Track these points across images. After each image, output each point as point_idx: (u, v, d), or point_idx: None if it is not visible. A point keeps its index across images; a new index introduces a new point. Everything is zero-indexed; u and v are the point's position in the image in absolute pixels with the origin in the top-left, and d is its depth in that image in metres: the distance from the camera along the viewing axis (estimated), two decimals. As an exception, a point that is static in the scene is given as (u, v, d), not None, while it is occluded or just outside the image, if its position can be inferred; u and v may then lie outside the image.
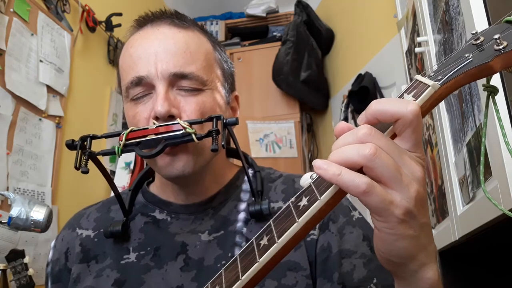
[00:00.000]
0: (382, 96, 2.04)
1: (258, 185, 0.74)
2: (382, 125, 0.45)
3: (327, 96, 2.93)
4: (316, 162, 0.42)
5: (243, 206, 0.74)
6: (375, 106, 0.43)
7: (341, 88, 2.66)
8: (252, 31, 3.37)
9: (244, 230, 0.70)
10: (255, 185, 0.74)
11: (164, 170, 0.68)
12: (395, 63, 1.85)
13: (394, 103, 0.42)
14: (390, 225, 0.42)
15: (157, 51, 0.68)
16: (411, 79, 1.58)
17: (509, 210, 0.64)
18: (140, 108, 0.68)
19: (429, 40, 1.19)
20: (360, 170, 0.42)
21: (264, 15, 3.34)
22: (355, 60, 2.46)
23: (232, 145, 0.75)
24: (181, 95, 0.68)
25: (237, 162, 0.83)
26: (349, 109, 2.32)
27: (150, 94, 0.68)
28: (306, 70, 2.76)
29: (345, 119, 2.36)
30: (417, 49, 1.28)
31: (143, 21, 0.74)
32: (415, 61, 1.45)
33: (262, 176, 0.77)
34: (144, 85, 0.68)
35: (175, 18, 0.73)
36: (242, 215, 0.72)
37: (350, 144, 0.42)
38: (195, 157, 0.67)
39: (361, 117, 0.44)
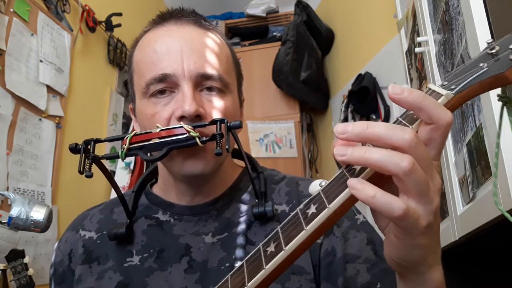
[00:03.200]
0: (382, 96, 2.03)
1: (262, 187, 0.73)
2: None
3: (327, 96, 2.93)
4: (351, 182, 0.40)
5: (246, 208, 0.73)
6: (423, 101, 0.41)
7: (341, 88, 2.67)
8: (252, 31, 3.37)
9: (248, 232, 0.70)
10: (258, 187, 0.73)
11: (184, 168, 0.67)
12: (395, 63, 1.85)
13: (437, 107, 0.41)
14: (410, 236, 0.42)
15: (183, 50, 0.68)
16: (411, 79, 1.58)
17: (510, 210, 0.65)
18: (161, 108, 0.67)
19: (429, 40, 1.19)
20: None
21: (264, 15, 3.34)
22: (355, 60, 2.46)
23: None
24: (205, 96, 0.68)
25: (240, 163, 0.83)
26: (349, 109, 2.32)
27: (172, 94, 0.68)
28: (306, 70, 2.76)
29: (345, 119, 2.36)
30: (417, 49, 1.28)
31: (166, 16, 0.73)
32: (415, 61, 1.45)
33: (265, 177, 0.77)
34: (167, 83, 0.67)
35: (200, 19, 0.73)
36: (245, 217, 0.72)
37: (390, 139, 0.40)
38: (215, 158, 0.67)
39: (402, 93, 0.41)
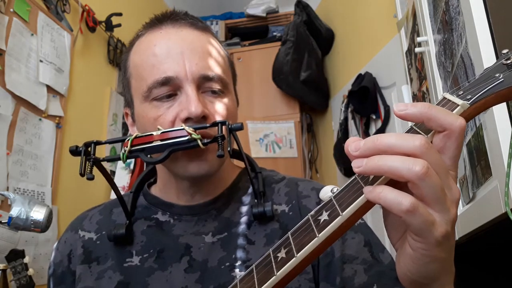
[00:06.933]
0: (382, 96, 2.03)
1: (260, 186, 0.74)
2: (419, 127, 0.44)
3: (327, 96, 2.93)
4: (365, 188, 0.41)
5: (246, 208, 0.74)
6: (429, 110, 0.41)
7: (341, 88, 2.67)
8: (252, 31, 3.37)
9: (248, 232, 0.70)
10: (257, 187, 0.74)
11: (189, 169, 0.67)
12: (395, 63, 1.85)
13: (447, 113, 0.41)
14: (427, 246, 0.41)
15: (184, 52, 0.68)
16: (411, 79, 1.58)
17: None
18: (164, 111, 0.67)
19: (429, 40, 1.19)
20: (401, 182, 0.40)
21: (264, 15, 3.34)
22: (355, 60, 2.46)
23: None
24: (208, 98, 0.69)
25: (237, 163, 0.83)
26: (349, 109, 2.32)
27: (175, 96, 0.68)
28: (306, 70, 2.76)
29: (345, 119, 2.36)
30: (417, 49, 1.28)
31: (162, 19, 0.73)
32: (415, 61, 1.45)
33: (264, 177, 0.77)
34: (170, 86, 0.67)
35: (196, 21, 0.74)
36: (245, 217, 0.72)
37: (401, 147, 0.40)
38: (218, 159, 0.67)
39: (406, 108, 0.42)
